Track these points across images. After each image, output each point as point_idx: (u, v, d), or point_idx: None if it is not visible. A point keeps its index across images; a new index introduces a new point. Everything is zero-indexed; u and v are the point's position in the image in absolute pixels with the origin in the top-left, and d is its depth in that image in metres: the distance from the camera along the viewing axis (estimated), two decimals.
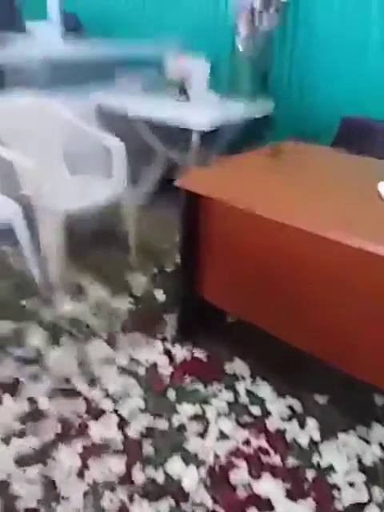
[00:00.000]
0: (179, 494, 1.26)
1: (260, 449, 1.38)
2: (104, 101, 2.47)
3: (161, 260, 2.27)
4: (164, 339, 1.78)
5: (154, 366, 1.66)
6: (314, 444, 1.41)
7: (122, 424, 1.44)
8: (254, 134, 2.63)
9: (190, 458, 1.35)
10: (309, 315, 1.42)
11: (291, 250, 1.38)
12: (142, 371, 1.64)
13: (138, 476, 1.30)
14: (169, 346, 1.75)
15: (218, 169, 1.69)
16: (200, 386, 1.58)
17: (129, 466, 1.32)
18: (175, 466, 1.33)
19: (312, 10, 2.37)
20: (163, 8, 2.88)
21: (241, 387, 1.59)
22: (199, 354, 1.72)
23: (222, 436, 1.42)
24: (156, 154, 2.71)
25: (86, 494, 1.25)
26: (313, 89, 2.50)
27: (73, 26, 2.92)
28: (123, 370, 1.64)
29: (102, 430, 1.42)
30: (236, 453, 1.37)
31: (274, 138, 2.62)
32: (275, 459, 1.35)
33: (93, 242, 2.31)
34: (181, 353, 1.72)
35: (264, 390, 1.58)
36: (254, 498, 1.26)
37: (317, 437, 1.42)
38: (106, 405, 1.50)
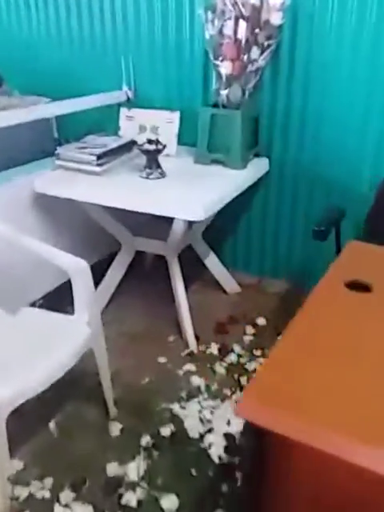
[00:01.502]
0: None
1: None
2: (41, 188, 1.69)
3: (153, 418, 1.51)
4: None
5: None
6: None
7: None
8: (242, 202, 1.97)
9: None
10: None
11: None
12: None
13: None
14: None
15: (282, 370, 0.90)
16: None
17: None
18: None
19: (315, 34, 1.75)
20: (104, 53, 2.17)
21: None
22: None
23: None
24: (120, 246, 1.96)
25: None
26: (318, 140, 1.88)
27: None
28: None
29: None
30: None
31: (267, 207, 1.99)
32: None
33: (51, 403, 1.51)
34: None
35: None
36: None
37: None
38: None
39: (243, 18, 1.69)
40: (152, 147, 1.67)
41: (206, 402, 1.57)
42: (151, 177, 1.70)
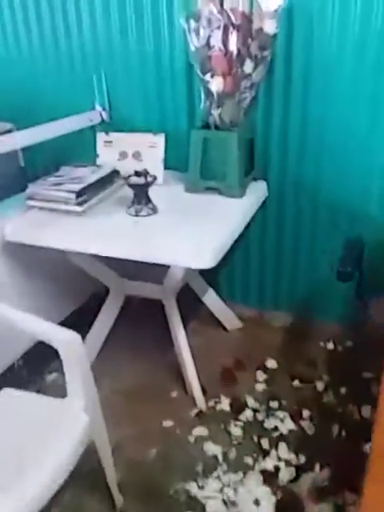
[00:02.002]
0: None
1: None
2: (13, 235, 1.43)
3: (168, 504, 1.28)
4: None
5: None
6: None
7: None
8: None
9: None
10: None
11: None
12: None
13: None
14: None
15: None
16: None
17: None
18: None
19: (314, 43, 1.56)
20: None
21: None
22: None
23: None
24: (108, 291, 1.71)
25: None
26: (320, 160, 1.69)
27: None
28: None
29: None
30: None
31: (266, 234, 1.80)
32: None
33: None
34: None
35: None
36: None
37: None
38: None
39: (233, 26, 1.49)
40: (141, 180, 1.44)
41: (227, 477, 1.35)
42: (141, 214, 1.46)
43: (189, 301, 1.83)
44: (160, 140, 1.71)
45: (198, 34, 1.54)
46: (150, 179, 1.45)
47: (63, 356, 1.05)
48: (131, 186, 1.45)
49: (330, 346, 1.88)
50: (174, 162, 1.80)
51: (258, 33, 1.51)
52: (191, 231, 1.34)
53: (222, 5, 1.51)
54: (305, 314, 1.98)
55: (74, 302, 1.82)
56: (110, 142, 1.75)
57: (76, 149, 1.88)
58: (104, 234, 1.37)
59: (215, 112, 1.56)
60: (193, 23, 1.54)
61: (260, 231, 1.89)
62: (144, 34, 1.74)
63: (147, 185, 1.45)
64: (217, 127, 1.59)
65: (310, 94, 1.61)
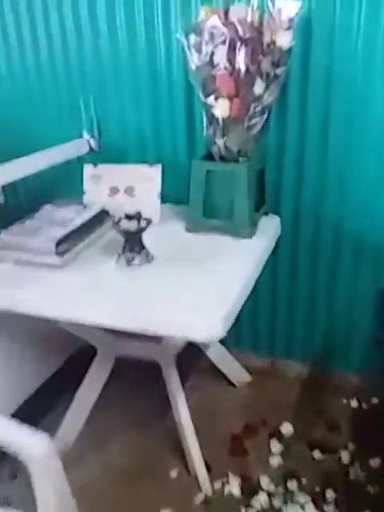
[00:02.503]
0: None
1: None
2: None
3: None
4: None
5: None
6: None
7: None
8: None
9: None
10: None
11: None
12: None
13: None
14: None
15: None
16: None
17: None
18: None
19: (336, 60, 1.34)
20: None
21: None
22: None
23: None
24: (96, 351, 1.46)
25: None
26: (342, 192, 1.46)
27: None
28: None
29: None
30: None
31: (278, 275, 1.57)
32: None
33: None
34: None
35: None
36: None
37: None
38: None
39: (241, 40, 1.26)
40: (133, 226, 1.20)
41: None
42: (134, 263, 1.22)
43: (187, 350, 1.57)
44: (156, 172, 1.48)
45: (199, 50, 1.31)
46: (143, 224, 1.21)
47: (31, 471, 0.81)
48: (121, 232, 1.21)
49: (354, 403, 1.63)
50: (172, 193, 1.57)
51: (270, 47, 1.29)
52: (195, 289, 1.10)
53: (226, 16, 1.29)
54: (322, 364, 1.74)
55: (55, 363, 1.57)
56: (99, 175, 1.51)
57: (63, 183, 1.66)
58: (88, 296, 1.11)
59: (220, 141, 1.33)
60: (193, 38, 1.32)
61: (271, 270, 1.64)
62: (137, 52, 1.51)
63: (140, 231, 1.21)
64: (222, 158, 1.36)
65: (332, 118, 1.38)
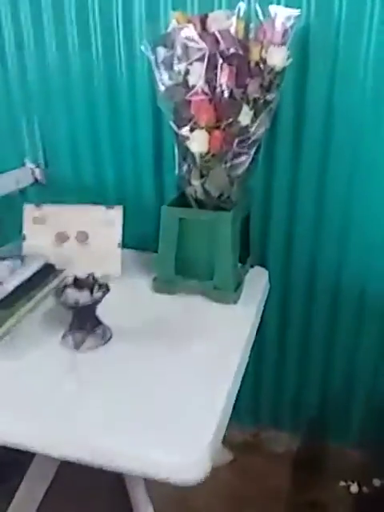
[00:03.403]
0: None
1: None
2: None
3: None
4: None
5: None
6: None
7: None
8: None
9: None
10: None
11: None
12: None
13: None
14: None
15: None
16: None
17: None
18: None
19: (338, 84, 1.08)
20: None
21: None
22: None
23: None
24: None
25: None
26: (341, 241, 1.21)
27: None
28: None
29: None
30: None
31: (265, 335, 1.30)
32: None
33: None
34: None
35: None
36: None
37: None
38: None
39: (223, 57, 0.99)
40: (84, 297, 0.90)
41: None
42: (86, 346, 0.93)
43: None
44: (116, 216, 1.19)
45: (169, 67, 1.04)
46: (98, 295, 0.91)
47: None
48: (67, 307, 0.91)
49: (354, 488, 1.38)
50: (136, 238, 1.29)
51: (260, 67, 1.03)
52: (168, 395, 0.80)
53: (204, 25, 1.02)
54: (315, 436, 1.48)
55: None
56: (43, 218, 1.21)
57: (1, 224, 1.35)
58: (10, 404, 0.80)
59: (197, 182, 1.05)
60: (162, 52, 1.04)
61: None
62: (92, 66, 1.23)
63: (94, 304, 0.91)
64: (199, 202, 1.09)
65: (331, 155, 1.13)
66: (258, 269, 1.22)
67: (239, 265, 1.13)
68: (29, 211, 1.21)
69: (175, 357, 0.91)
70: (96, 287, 0.93)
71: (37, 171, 1.38)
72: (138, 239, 1.29)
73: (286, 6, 1.01)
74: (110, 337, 0.96)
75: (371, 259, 1.19)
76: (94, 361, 0.89)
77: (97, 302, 0.91)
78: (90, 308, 0.92)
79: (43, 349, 0.93)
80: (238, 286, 1.09)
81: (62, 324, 0.97)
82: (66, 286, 0.93)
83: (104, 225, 1.20)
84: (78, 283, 0.93)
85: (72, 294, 0.91)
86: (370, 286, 1.23)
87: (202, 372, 0.86)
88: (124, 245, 1.21)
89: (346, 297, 1.25)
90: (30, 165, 1.37)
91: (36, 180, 1.38)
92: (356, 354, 1.33)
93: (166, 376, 0.85)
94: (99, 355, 0.91)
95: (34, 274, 1.07)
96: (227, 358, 0.90)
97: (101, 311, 0.93)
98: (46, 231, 1.20)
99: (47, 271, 1.12)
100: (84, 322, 0.93)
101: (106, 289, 0.93)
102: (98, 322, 0.95)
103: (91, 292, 0.92)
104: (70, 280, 0.94)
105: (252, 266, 1.22)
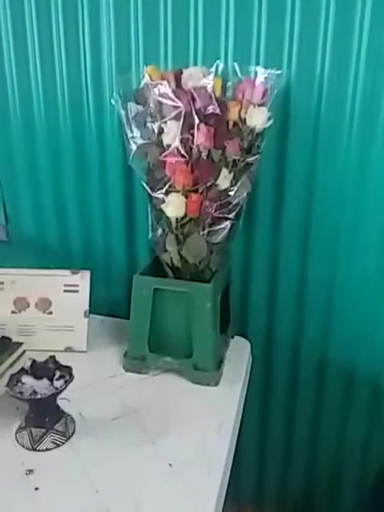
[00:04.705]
0: None
1: None
2: None
3: None
4: None
5: None
6: None
7: None
8: None
9: None
10: None
11: None
12: None
13: None
14: None
15: None
16: None
17: None
18: None
19: (320, 153, 1.02)
20: None
21: None
22: None
23: None
24: None
25: None
26: (327, 312, 1.12)
27: None
28: None
29: None
30: None
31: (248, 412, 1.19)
32: None
33: None
34: None
35: None
36: None
37: None
38: None
39: (199, 116, 0.92)
40: (44, 389, 0.78)
41: None
42: (45, 446, 0.79)
43: None
44: (83, 281, 1.08)
45: (142, 124, 0.96)
46: (59, 384, 0.79)
47: None
48: (22, 400, 0.78)
49: None
50: (105, 304, 1.18)
51: (239, 127, 0.96)
52: None
53: (179, 82, 0.95)
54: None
55: None
56: (1, 283, 1.09)
57: None
58: None
59: (173, 248, 0.96)
60: (134, 108, 0.97)
61: None
62: (59, 114, 1.14)
63: (54, 396, 0.79)
64: (175, 269, 0.99)
65: (314, 219, 1.05)
66: (239, 340, 1.12)
67: (220, 333, 1.03)
68: None
69: (149, 455, 0.78)
70: (57, 374, 0.81)
71: None
72: (108, 306, 1.18)
73: (266, 65, 0.95)
74: (73, 431, 0.83)
75: (359, 329, 1.11)
76: (50, 467, 0.76)
77: (58, 393, 0.79)
78: (50, 400, 0.79)
79: None
80: (220, 363, 0.98)
81: (19, 412, 0.85)
82: (20, 374, 0.80)
83: (68, 291, 1.08)
84: (35, 370, 0.81)
85: (28, 383, 0.79)
86: (356, 364, 1.13)
87: (182, 478, 0.74)
88: (91, 311, 1.09)
89: (329, 374, 1.15)
90: None
91: None
92: (344, 435, 1.22)
93: (141, 480, 0.73)
94: (56, 461, 0.78)
95: None
96: (211, 459, 0.79)
97: (63, 394, 0.81)
98: (3, 297, 1.08)
99: (3, 345, 0.99)
100: (43, 417, 0.80)
101: (68, 376, 0.81)
102: (60, 415, 0.82)
103: (51, 381, 0.80)
104: (26, 365, 0.82)
105: (232, 337, 1.12)
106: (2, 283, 1.09)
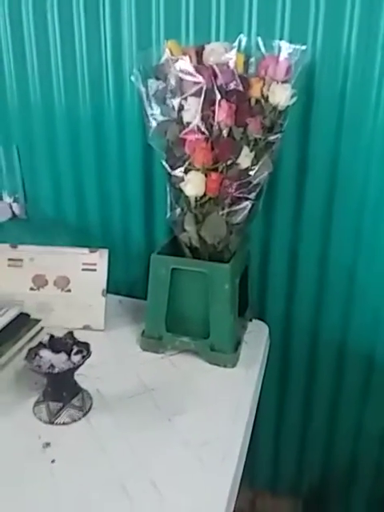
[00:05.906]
0: None
1: None
2: None
3: None
4: None
5: None
6: None
7: None
8: None
9: None
10: None
11: None
12: None
13: None
14: None
15: None
16: None
17: None
18: None
19: (346, 124, 1.00)
20: None
21: None
22: None
23: None
24: None
25: None
26: (348, 298, 1.10)
27: None
28: None
29: None
30: None
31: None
32: None
33: None
34: None
35: None
36: None
37: None
38: None
39: (221, 93, 0.90)
40: (62, 363, 0.78)
41: None
42: (62, 420, 0.80)
43: None
44: (101, 259, 1.07)
45: (161, 101, 0.95)
46: (76, 359, 0.79)
47: None
48: (40, 373, 0.79)
49: None
50: (122, 283, 1.18)
51: (261, 104, 0.94)
52: (159, 497, 0.68)
53: (200, 57, 0.93)
54: (317, 498, 1.35)
55: None
56: (19, 261, 1.09)
57: None
58: None
59: (191, 228, 0.95)
60: (153, 84, 0.95)
61: None
62: (77, 95, 1.13)
63: (72, 370, 0.79)
64: (193, 249, 0.98)
65: (336, 199, 1.03)
66: (257, 323, 1.11)
67: (238, 316, 1.02)
68: (3, 252, 1.09)
69: (165, 433, 0.78)
70: (75, 349, 0.81)
71: (15, 206, 1.26)
72: (125, 286, 1.18)
73: (290, 40, 0.92)
74: (90, 407, 0.83)
75: (381, 315, 1.09)
76: (67, 442, 0.76)
77: (75, 367, 0.79)
78: (68, 374, 0.79)
79: (12, 420, 0.81)
80: (237, 345, 0.98)
81: (37, 386, 0.85)
82: (38, 347, 0.81)
83: (86, 269, 1.08)
84: (53, 344, 0.81)
85: (47, 357, 0.79)
86: (378, 350, 1.11)
87: (198, 456, 0.74)
88: (109, 290, 1.09)
89: (349, 360, 1.14)
90: (7, 199, 1.26)
91: (14, 215, 1.27)
92: (362, 424, 1.20)
93: (157, 458, 0.73)
94: (73, 435, 0.78)
95: (7, 325, 0.95)
96: (227, 439, 0.78)
97: (80, 370, 0.81)
98: (22, 274, 1.08)
99: (21, 322, 1.00)
100: (60, 391, 0.80)
101: (86, 352, 0.81)
102: (77, 390, 0.82)
103: (69, 355, 0.80)
104: (44, 339, 0.82)
105: (251, 320, 1.11)
106: (21, 260, 1.09)
